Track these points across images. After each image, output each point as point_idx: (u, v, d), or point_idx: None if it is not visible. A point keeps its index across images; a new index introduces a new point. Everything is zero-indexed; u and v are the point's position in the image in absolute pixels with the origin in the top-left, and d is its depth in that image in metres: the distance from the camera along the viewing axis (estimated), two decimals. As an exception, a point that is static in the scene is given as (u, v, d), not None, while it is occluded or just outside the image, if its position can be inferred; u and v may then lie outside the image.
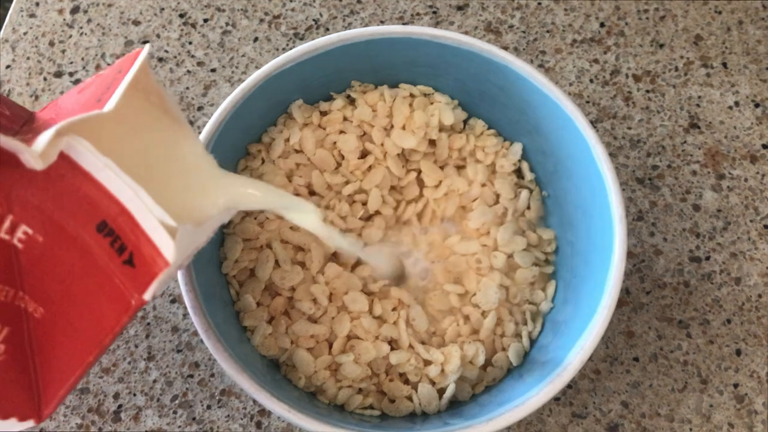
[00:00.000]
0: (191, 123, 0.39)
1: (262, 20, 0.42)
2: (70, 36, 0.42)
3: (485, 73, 0.31)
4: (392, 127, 0.32)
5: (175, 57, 0.41)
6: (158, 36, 0.42)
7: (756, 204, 0.37)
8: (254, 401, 0.33)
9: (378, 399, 0.29)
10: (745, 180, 0.38)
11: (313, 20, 0.42)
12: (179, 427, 0.32)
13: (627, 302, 0.35)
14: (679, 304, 0.35)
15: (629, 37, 0.42)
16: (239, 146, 0.32)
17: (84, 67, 0.41)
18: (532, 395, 0.25)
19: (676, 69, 0.41)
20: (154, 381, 0.33)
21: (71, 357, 0.20)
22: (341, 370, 0.28)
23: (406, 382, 0.29)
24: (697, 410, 0.33)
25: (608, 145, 0.39)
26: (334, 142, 0.32)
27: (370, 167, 0.32)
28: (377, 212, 0.32)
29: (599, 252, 0.28)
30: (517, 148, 0.33)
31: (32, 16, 0.42)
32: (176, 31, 0.42)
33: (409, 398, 0.29)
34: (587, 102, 0.40)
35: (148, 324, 0.34)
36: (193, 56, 0.41)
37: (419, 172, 0.32)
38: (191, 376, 0.33)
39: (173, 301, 0.35)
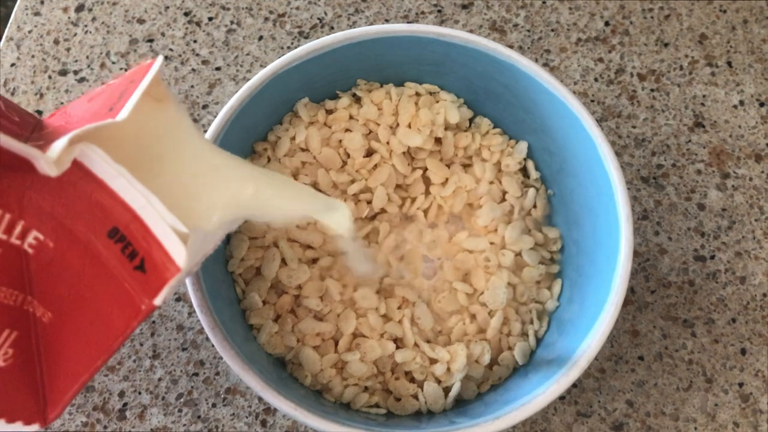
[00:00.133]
0: (195, 121, 0.39)
1: (266, 19, 0.42)
2: (75, 34, 0.42)
3: (491, 72, 0.31)
4: (398, 125, 0.32)
5: (180, 55, 0.41)
6: (163, 34, 0.42)
7: (761, 203, 0.37)
8: (259, 399, 0.33)
9: (384, 397, 0.29)
10: (750, 179, 0.38)
11: (318, 19, 0.42)
12: (184, 425, 0.32)
13: (632, 301, 0.35)
14: (684, 303, 0.35)
15: (634, 36, 0.42)
16: (245, 144, 0.32)
17: (89, 66, 0.41)
18: (538, 394, 0.25)
19: (681, 68, 0.41)
20: (159, 379, 0.33)
21: (78, 361, 0.20)
22: (347, 368, 0.28)
23: (412, 380, 0.29)
24: (702, 409, 0.33)
25: (613, 144, 0.38)
26: (340, 141, 0.32)
27: (375, 165, 0.32)
28: (383, 210, 0.32)
29: (605, 251, 0.28)
30: (523, 146, 0.33)
31: (37, 14, 0.42)
32: (181, 30, 0.42)
33: (415, 397, 0.29)
34: (592, 101, 0.40)
35: (153, 322, 0.34)
36: (197, 55, 0.41)
37: (425, 170, 0.32)
38: (196, 374, 0.33)
39: (178, 300, 0.35)
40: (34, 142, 0.19)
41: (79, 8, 0.42)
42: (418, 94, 0.33)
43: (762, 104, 0.40)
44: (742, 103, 0.40)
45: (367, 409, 0.28)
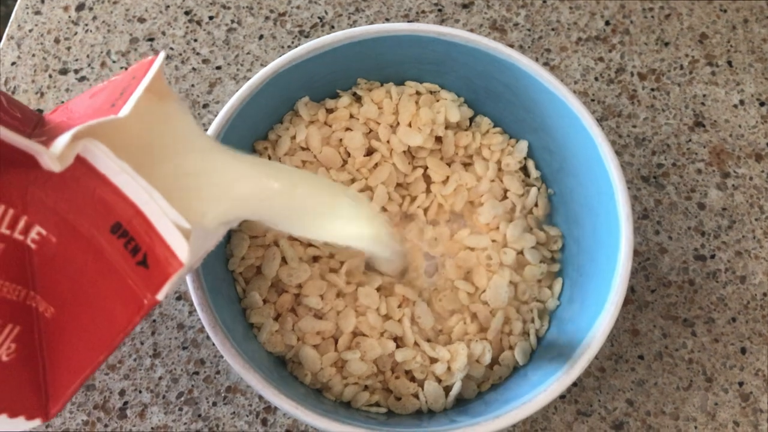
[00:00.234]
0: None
1: (267, 18, 0.42)
2: (76, 33, 0.42)
3: (491, 71, 0.31)
4: (398, 124, 0.32)
5: (180, 54, 0.41)
6: (163, 33, 0.42)
7: (761, 202, 0.37)
8: (260, 398, 0.33)
9: (384, 396, 0.29)
10: (750, 178, 0.38)
11: (318, 18, 0.42)
12: (185, 424, 0.32)
13: (632, 300, 0.35)
14: (684, 302, 0.35)
15: (634, 35, 0.42)
16: (246, 143, 0.32)
17: (89, 65, 0.41)
18: (538, 393, 0.25)
19: (681, 67, 0.41)
20: (160, 378, 0.33)
21: (81, 356, 0.20)
22: (347, 367, 0.28)
23: (413, 379, 0.29)
24: (702, 408, 0.33)
25: (613, 143, 0.39)
26: (340, 140, 0.32)
27: (376, 164, 0.32)
28: (383, 209, 0.32)
29: (605, 250, 0.28)
30: (523, 145, 0.33)
31: (38, 13, 0.42)
32: (181, 29, 0.42)
33: (416, 396, 0.29)
34: (592, 100, 0.40)
35: (154, 321, 0.34)
36: (198, 53, 0.41)
37: (425, 169, 0.32)
38: (197, 373, 0.33)
39: (179, 299, 0.35)
40: (37, 137, 0.19)
41: (80, 7, 0.42)
42: (418, 93, 0.33)
43: (762, 104, 0.40)
44: (742, 102, 0.40)
45: (368, 407, 0.28)
